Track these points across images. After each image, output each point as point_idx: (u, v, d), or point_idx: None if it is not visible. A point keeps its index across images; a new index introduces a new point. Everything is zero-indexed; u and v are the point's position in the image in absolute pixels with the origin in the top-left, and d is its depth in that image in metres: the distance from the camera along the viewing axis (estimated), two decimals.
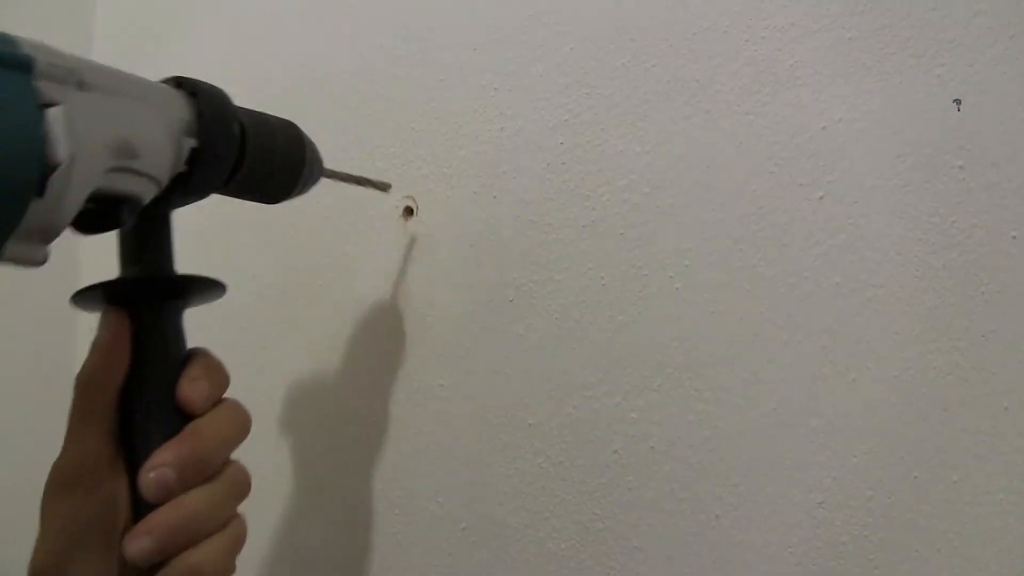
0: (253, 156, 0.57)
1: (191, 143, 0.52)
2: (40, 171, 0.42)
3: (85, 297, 0.53)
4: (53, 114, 0.43)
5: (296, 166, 0.61)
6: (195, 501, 0.50)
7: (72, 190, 0.44)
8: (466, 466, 0.68)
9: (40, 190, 0.42)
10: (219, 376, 0.54)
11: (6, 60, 0.42)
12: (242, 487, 0.54)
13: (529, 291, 0.66)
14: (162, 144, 0.50)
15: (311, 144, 0.62)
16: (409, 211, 0.71)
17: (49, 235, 0.44)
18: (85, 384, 0.51)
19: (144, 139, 0.48)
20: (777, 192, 0.56)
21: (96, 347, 0.52)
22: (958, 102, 0.51)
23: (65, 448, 0.51)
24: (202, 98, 0.53)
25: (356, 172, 0.68)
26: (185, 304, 0.55)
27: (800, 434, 0.55)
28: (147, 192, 0.50)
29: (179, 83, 0.54)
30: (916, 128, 0.52)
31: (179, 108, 0.52)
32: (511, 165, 0.67)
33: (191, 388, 0.52)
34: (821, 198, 0.55)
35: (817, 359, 0.54)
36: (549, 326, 0.64)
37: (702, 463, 0.58)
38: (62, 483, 0.50)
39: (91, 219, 0.48)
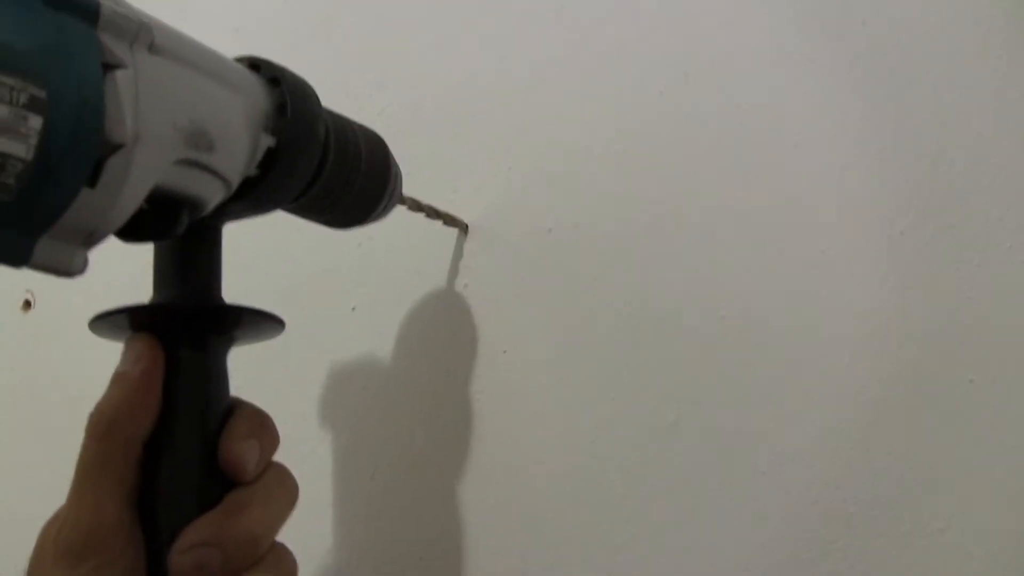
0: (335, 167, 0.46)
1: (268, 141, 0.42)
2: (96, 152, 0.31)
3: (108, 322, 0.41)
4: (120, 78, 0.32)
5: (379, 185, 0.50)
6: None
7: (132, 181, 0.33)
8: None
9: (93, 177, 0.31)
10: (270, 435, 0.43)
11: (66, 1, 0.31)
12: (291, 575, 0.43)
13: None
14: (240, 137, 0.39)
15: (395, 162, 0.51)
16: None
17: (94, 237, 0.33)
18: (106, 427, 0.40)
19: (222, 128, 0.38)
20: None
21: (121, 382, 0.41)
22: None
23: (74, 507, 0.40)
24: (287, 87, 0.43)
25: (432, 203, 0.58)
26: (232, 341, 0.44)
27: None
28: (215, 196, 0.39)
29: (254, 65, 0.43)
30: None
31: (258, 96, 0.42)
32: None
33: (242, 448, 0.41)
34: None
35: None
36: None
37: None
38: (68, 551, 0.39)
39: (139, 223, 0.36)
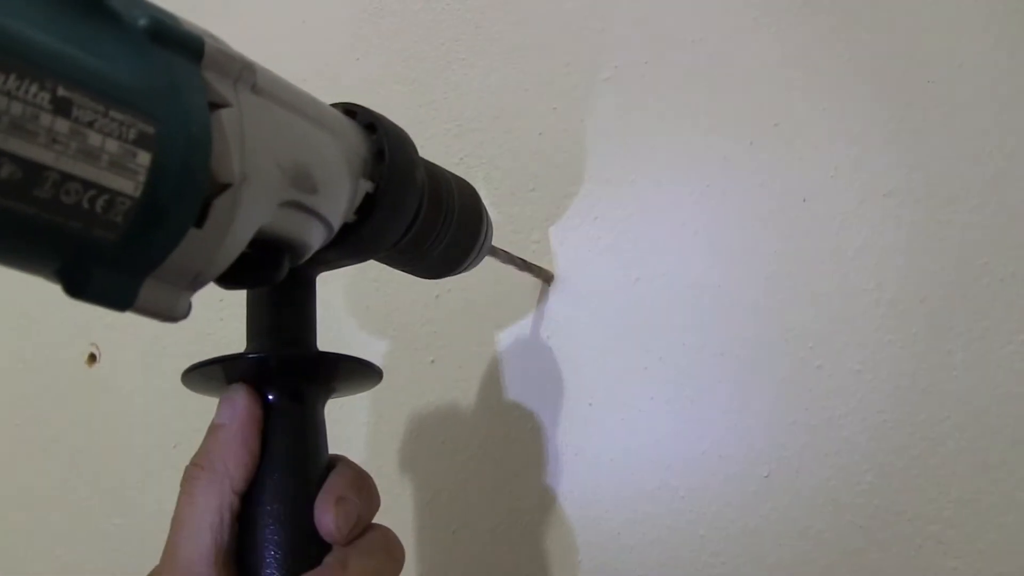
0: (429, 215, 0.45)
1: (367, 187, 0.40)
2: (203, 191, 0.30)
3: (202, 374, 0.40)
4: (225, 117, 0.31)
5: (472, 235, 0.49)
6: None
7: (238, 222, 0.32)
8: None
9: (200, 217, 0.30)
10: (371, 495, 0.41)
11: (172, 37, 0.30)
12: None
13: None
14: (342, 181, 0.38)
15: (488, 213, 0.50)
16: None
17: (199, 280, 0.32)
18: (203, 481, 0.38)
19: (324, 171, 0.37)
20: None
21: (218, 434, 0.39)
22: None
23: (168, 567, 0.38)
24: (383, 133, 0.42)
25: (519, 254, 0.56)
26: (331, 392, 0.42)
27: None
28: (316, 240, 0.38)
29: (349, 111, 0.43)
30: None
31: (356, 141, 0.41)
32: None
33: (338, 512, 0.39)
34: None
35: None
36: None
37: None
38: None
39: (240, 268, 0.35)
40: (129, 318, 0.81)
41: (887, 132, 0.53)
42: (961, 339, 0.49)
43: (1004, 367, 0.48)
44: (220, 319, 0.73)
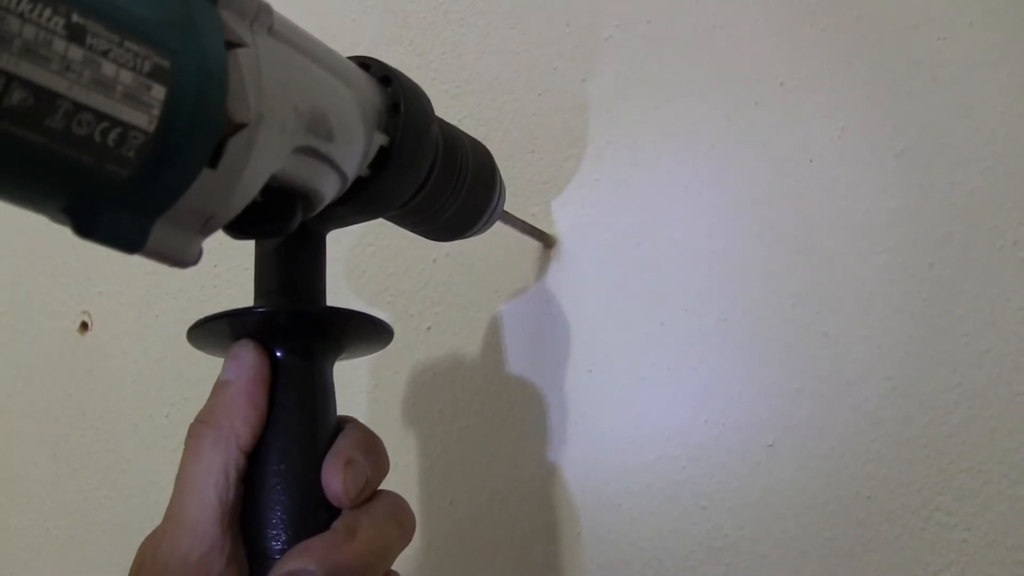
0: (442, 173, 0.44)
1: (381, 139, 0.39)
2: (218, 129, 0.29)
3: (208, 330, 0.39)
4: (242, 56, 0.30)
5: (485, 197, 0.48)
6: None
7: (253, 164, 0.31)
8: None
9: (214, 157, 0.29)
10: (380, 458, 0.40)
11: None
12: None
13: None
14: (357, 130, 0.37)
15: (501, 176, 0.49)
16: None
17: (211, 223, 0.31)
18: (211, 439, 0.37)
19: (340, 118, 0.35)
20: None
21: (223, 392, 0.38)
22: None
23: (172, 526, 0.36)
24: (398, 86, 0.41)
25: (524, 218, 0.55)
26: (340, 351, 0.41)
27: None
28: (330, 190, 0.37)
29: (364, 64, 0.41)
30: None
31: (371, 93, 0.39)
32: None
33: (347, 474, 0.38)
34: None
35: None
36: None
37: None
38: (165, 574, 0.36)
39: (252, 217, 0.34)
40: (122, 285, 0.79)
41: (896, 91, 0.52)
42: (972, 304, 0.48)
43: (1016, 332, 0.47)
44: (215, 286, 0.72)
